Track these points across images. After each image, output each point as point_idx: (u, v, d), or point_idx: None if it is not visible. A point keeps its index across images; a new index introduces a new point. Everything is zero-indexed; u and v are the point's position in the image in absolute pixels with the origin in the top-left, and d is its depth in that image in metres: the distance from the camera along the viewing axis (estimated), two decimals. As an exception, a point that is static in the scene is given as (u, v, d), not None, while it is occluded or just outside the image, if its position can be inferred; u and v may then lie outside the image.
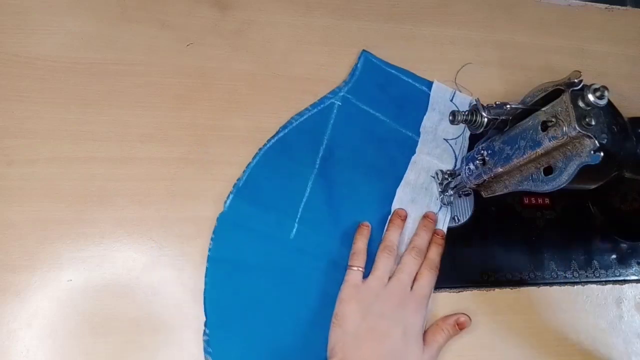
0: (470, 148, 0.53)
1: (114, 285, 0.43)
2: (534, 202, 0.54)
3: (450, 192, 0.50)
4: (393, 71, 0.56)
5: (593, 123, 0.35)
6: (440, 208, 0.51)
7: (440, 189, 0.51)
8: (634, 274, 0.54)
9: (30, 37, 0.48)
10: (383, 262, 0.46)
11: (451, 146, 0.54)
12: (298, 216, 0.48)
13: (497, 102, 0.42)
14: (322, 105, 0.52)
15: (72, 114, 0.47)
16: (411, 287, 0.45)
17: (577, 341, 0.50)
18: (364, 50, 0.55)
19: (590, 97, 0.35)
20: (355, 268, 0.46)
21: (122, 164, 0.46)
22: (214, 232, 0.45)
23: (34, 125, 0.46)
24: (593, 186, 0.41)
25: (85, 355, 0.41)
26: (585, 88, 0.36)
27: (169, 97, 0.49)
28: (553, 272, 0.52)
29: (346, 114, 0.52)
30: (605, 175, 0.40)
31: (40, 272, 0.42)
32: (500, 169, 0.42)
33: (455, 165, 0.53)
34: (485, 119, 0.42)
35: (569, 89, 0.37)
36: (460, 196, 0.52)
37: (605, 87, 0.35)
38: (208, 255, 0.44)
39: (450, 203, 0.51)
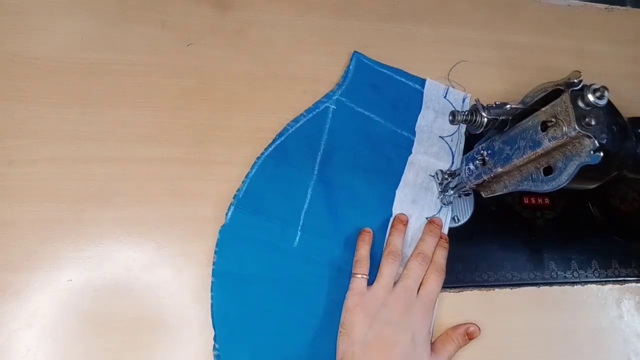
0: (466, 144, 0.54)
1: (114, 285, 0.43)
2: (534, 202, 0.55)
3: (450, 192, 0.50)
4: (385, 71, 0.55)
5: (593, 123, 0.35)
6: (441, 208, 0.51)
7: (440, 189, 0.51)
8: (633, 274, 0.54)
9: (30, 37, 0.48)
10: (388, 268, 0.46)
11: (447, 143, 0.54)
12: (300, 224, 0.47)
13: (497, 102, 0.42)
14: (317, 110, 0.52)
15: (72, 114, 0.47)
16: (417, 292, 0.45)
17: (577, 341, 0.50)
18: (355, 51, 0.55)
19: (590, 97, 0.35)
20: (359, 275, 0.45)
21: (122, 164, 0.46)
22: (217, 246, 0.45)
23: (34, 125, 0.46)
24: (593, 186, 0.41)
25: (85, 355, 0.41)
26: (585, 88, 0.36)
27: (169, 97, 0.49)
28: (553, 272, 0.52)
29: (341, 118, 0.52)
30: (605, 175, 0.40)
31: (40, 272, 0.42)
32: (500, 169, 0.42)
33: (452, 162, 0.53)
34: (485, 119, 0.42)
35: (569, 89, 0.37)
36: (460, 196, 0.52)
37: (605, 87, 0.35)
38: (213, 269, 0.44)
39: (450, 203, 0.51)
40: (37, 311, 0.41)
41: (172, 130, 0.48)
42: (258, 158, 0.48)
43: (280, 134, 0.50)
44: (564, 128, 0.36)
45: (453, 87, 0.56)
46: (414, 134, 0.53)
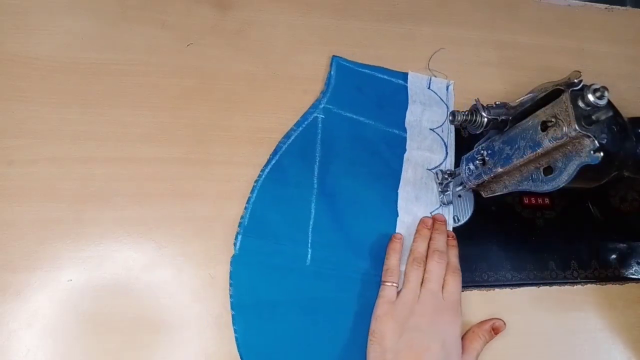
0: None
1: (114, 285, 0.43)
2: (534, 202, 0.55)
3: (450, 192, 0.50)
4: (367, 71, 0.55)
5: (593, 123, 0.35)
6: (440, 207, 0.51)
7: (440, 189, 0.51)
8: (633, 274, 0.54)
9: (30, 37, 0.48)
10: (414, 275, 0.46)
11: (439, 135, 0.54)
12: (309, 241, 0.47)
13: (497, 102, 0.42)
14: (306, 122, 0.51)
15: (72, 114, 0.47)
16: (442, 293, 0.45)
17: (577, 341, 0.50)
18: (334, 55, 0.54)
19: (590, 97, 0.35)
20: (389, 284, 0.45)
21: (122, 164, 0.46)
22: (231, 277, 0.44)
23: (34, 125, 0.46)
24: (593, 186, 0.41)
25: (85, 355, 0.41)
26: (585, 88, 0.36)
27: (169, 97, 0.49)
28: (553, 272, 0.52)
29: (331, 126, 0.51)
30: (605, 175, 0.40)
31: (40, 272, 0.42)
32: (500, 169, 0.42)
33: (446, 153, 0.53)
34: (485, 119, 0.42)
35: (569, 89, 0.37)
36: (460, 196, 0.52)
37: (605, 87, 0.35)
38: (231, 302, 0.43)
39: (450, 203, 0.51)
40: (37, 311, 0.41)
41: (172, 130, 0.48)
42: (256, 181, 0.48)
43: (274, 153, 0.49)
44: (564, 128, 0.36)
45: (435, 77, 0.56)
46: (405, 130, 0.53)
